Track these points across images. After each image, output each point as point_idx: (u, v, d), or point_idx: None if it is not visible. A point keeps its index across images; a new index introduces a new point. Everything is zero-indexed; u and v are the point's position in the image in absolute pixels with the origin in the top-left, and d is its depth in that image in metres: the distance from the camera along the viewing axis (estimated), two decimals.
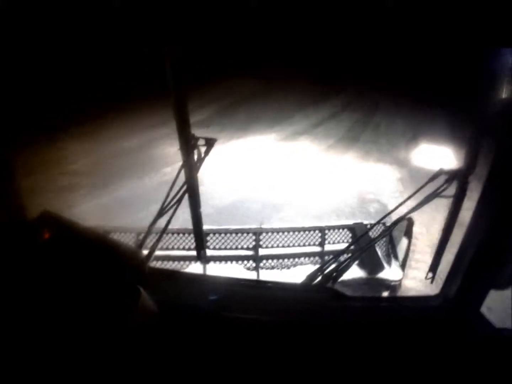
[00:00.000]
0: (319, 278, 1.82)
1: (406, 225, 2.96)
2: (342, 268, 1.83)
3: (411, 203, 1.82)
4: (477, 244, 1.49)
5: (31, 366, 1.07)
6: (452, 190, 1.73)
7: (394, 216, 2.00)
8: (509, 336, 1.56)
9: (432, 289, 1.82)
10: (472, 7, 1.05)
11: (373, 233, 2.92)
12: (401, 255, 3.07)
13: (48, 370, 1.09)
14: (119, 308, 1.19)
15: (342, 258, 1.91)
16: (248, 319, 1.56)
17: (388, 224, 3.03)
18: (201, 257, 2.51)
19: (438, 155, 6.83)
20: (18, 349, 1.07)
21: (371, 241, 2.30)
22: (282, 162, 7.20)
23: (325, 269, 1.84)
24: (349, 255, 1.93)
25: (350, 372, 1.41)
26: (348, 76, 11.23)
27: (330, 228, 3.28)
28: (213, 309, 1.61)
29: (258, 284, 2.08)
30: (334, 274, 1.81)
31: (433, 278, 1.87)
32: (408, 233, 2.97)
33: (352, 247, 2.39)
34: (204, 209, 2.11)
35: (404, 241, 3.02)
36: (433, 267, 1.87)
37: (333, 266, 1.84)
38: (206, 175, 2.09)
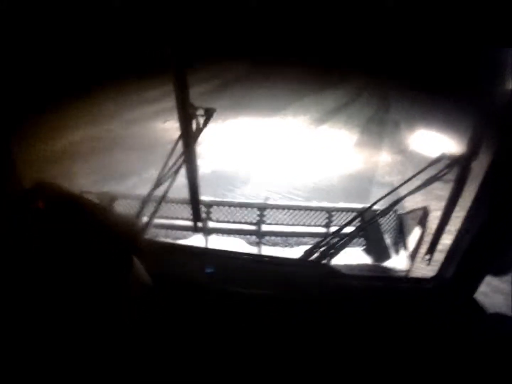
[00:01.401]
0: (316, 254, 1.82)
1: (420, 214, 2.82)
2: (339, 246, 1.83)
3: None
4: (476, 230, 1.50)
5: (25, 331, 1.09)
6: (454, 174, 1.71)
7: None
8: (500, 322, 1.57)
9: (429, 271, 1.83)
10: (472, 7, 1.02)
11: (381, 219, 2.91)
12: (412, 245, 2.89)
13: (41, 337, 1.10)
14: (112, 277, 1.19)
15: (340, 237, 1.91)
16: (244, 293, 1.57)
17: (399, 211, 3.05)
18: (197, 229, 2.50)
19: (442, 141, 6.81)
20: (12, 313, 1.08)
21: (372, 224, 2.28)
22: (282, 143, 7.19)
23: (322, 246, 1.84)
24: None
25: (341, 348, 1.43)
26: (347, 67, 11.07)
27: (337, 209, 3.20)
28: (208, 282, 1.62)
29: (254, 258, 2.08)
30: (331, 250, 1.81)
31: (430, 260, 1.87)
32: (423, 223, 2.79)
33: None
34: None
35: (417, 231, 2.85)
36: (431, 250, 1.87)
37: (331, 243, 1.83)
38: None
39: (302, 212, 3.22)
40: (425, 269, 1.94)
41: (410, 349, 1.44)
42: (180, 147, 1.87)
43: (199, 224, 2.39)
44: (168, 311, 1.42)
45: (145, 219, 1.89)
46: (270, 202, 3.30)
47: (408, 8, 1.10)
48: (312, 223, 3.24)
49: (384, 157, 6.86)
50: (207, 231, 3.08)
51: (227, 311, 1.50)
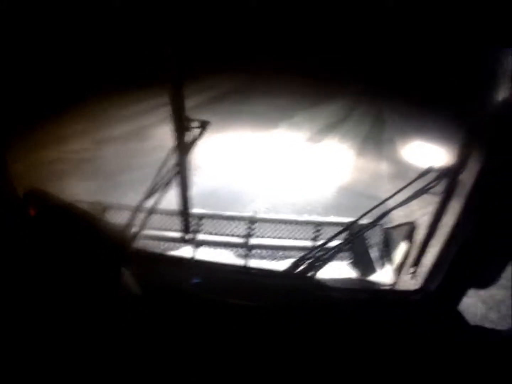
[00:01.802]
0: (302, 266, 1.83)
1: (407, 229, 2.74)
2: (325, 259, 1.84)
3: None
4: (461, 243, 1.52)
5: (16, 336, 1.09)
6: (441, 187, 1.74)
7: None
8: (483, 334, 1.59)
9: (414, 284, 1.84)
10: (472, 7, 1.05)
11: (367, 232, 2.92)
12: (398, 259, 2.81)
13: (32, 342, 1.10)
14: (101, 285, 1.19)
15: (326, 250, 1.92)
16: (230, 303, 1.58)
17: (386, 225, 3.07)
18: (186, 240, 2.50)
19: (432, 154, 6.90)
20: (5, 317, 1.09)
21: (359, 238, 2.29)
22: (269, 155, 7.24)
23: (308, 258, 1.85)
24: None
25: (327, 360, 1.44)
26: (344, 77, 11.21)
27: (324, 224, 3.22)
28: (195, 292, 1.62)
29: (241, 269, 2.09)
30: (317, 263, 1.83)
31: (415, 273, 1.89)
32: (410, 238, 2.72)
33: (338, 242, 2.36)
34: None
35: (403, 246, 2.82)
36: (416, 262, 1.89)
37: (316, 256, 1.85)
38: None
39: (290, 225, 3.23)
40: (411, 283, 1.95)
41: (395, 360, 1.45)
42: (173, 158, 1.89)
43: (189, 236, 2.39)
44: (156, 319, 1.42)
45: (135, 229, 1.89)
46: (259, 215, 3.31)
47: (408, 8, 1.12)
48: (300, 236, 3.25)
49: (375, 171, 6.93)
50: (196, 243, 3.08)
51: (213, 320, 1.50)
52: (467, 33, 1.15)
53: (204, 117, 1.83)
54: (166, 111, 1.81)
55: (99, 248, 1.23)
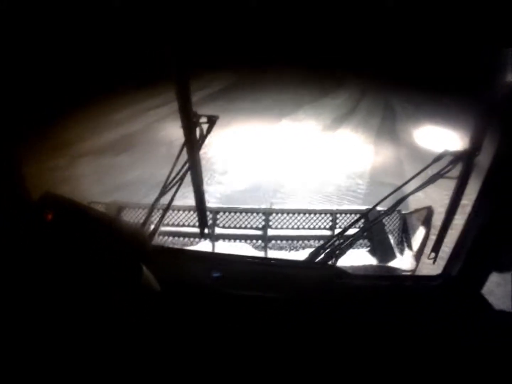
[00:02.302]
0: (322, 255, 1.83)
1: (425, 214, 2.86)
2: (344, 247, 1.83)
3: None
4: (480, 226, 1.50)
5: (32, 340, 1.10)
6: (457, 171, 1.72)
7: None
8: (507, 318, 1.57)
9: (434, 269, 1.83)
10: (472, 7, 1.03)
11: (385, 220, 2.94)
12: (417, 245, 2.91)
13: (49, 345, 1.11)
14: (121, 286, 1.20)
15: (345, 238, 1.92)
16: (251, 296, 1.58)
17: (404, 211, 3.06)
18: (204, 235, 2.51)
19: (445, 137, 6.82)
20: (23, 322, 1.10)
21: (377, 225, 2.27)
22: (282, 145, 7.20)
23: (327, 247, 1.85)
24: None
25: (350, 349, 1.43)
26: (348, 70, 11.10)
27: (341, 212, 3.23)
28: (216, 286, 1.62)
29: (261, 261, 2.09)
30: (337, 252, 1.82)
31: (435, 258, 1.88)
32: (427, 223, 2.84)
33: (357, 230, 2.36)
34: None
35: (421, 231, 2.88)
36: (436, 248, 1.88)
37: (336, 244, 1.85)
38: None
39: (307, 215, 3.24)
40: (431, 268, 1.94)
41: (418, 347, 1.44)
42: (184, 154, 1.90)
43: (206, 231, 2.41)
44: (177, 316, 1.43)
45: (152, 226, 1.91)
46: (275, 207, 3.31)
47: (408, 9, 1.10)
48: (317, 226, 3.26)
49: (390, 157, 6.87)
50: (214, 237, 3.10)
51: (235, 314, 1.51)
52: (467, 33, 1.13)
53: (212, 112, 1.83)
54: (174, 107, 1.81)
55: (118, 248, 1.24)
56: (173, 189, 1.91)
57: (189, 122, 1.82)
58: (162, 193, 1.91)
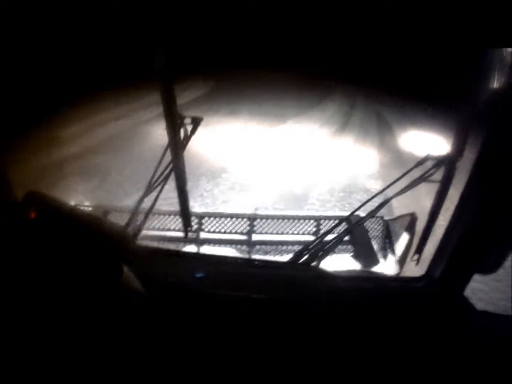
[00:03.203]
0: (305, 257, 1.84)
1: (408, 220, 2.89)
2: (327, 249, 1.84)
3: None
4: (462, 229, 1.51)
5: (16, 339, 1.09)
6: (439, 175, 1.74)
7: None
8: (490, 319, 1.59)
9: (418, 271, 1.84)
10: (472, 7, 1.04)
11: (368, 224, 2.98)
12: (400, 250, 2.91)
13: (33, 344, 1.10)
14: (102, 285, 1.19)
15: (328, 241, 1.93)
16: (234, 297, 1.58)
17: (386, 217, 3.08)
18: (189, 240, 2.51)
19: (428, 142, 6.92)
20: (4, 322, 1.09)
21: (360, 231, 2.28)
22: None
23: (311, 249, 1.86)
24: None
25: (334, 349, 1.44)
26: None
27: (325, 218, 3.26)
28: (199, 286, 1.62)
29: (244, 262, 2.09)
30: (320, 253, 1.83)
31: (418, 260, 1.89)
32: (411, 229, 2.87)
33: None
34: None
35: (405, 237, 2.90)
36: (419, 249, 1.90)
37: (319, 246, 1.86)
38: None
39: (291, 221, 3.26)
40: (414, 272, 1.95)
41: (402, 347, 1.45)
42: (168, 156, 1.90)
43: (190, 235, 2.40)
44: (160, 316, 1.42)
45: (135, 227, 1.89)
46: (259, 212, 3.32)
47: (408, 9, 1.11)
48: (301, 231, 3.28)
49: (375, 161, 6.94)
50: (199, 242, 3.09)
51: (218, 314, 1.50)
52: (467, 33, 1.14)
53: (202, 113, 1.84)
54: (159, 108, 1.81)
55: (99, 248, 1.23)
56: (157, 189, 1.90)
57: (174, 123, 1.82)
58: (147, 193, 1.90)
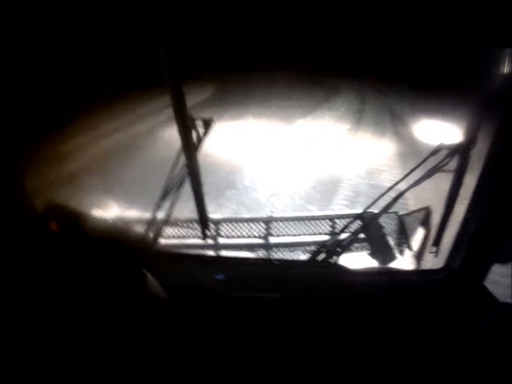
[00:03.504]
0: (323, 254, 1.84)
1: (423, 214, 2.85)
2: (345, 246, 1.85)
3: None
4: (479, 218, 1.50)
5: (36, 348, 1.10)
6: (453, 164, 1.72)
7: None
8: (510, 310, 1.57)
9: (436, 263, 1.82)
10: (472, 7, 1.04)
11: (383, 221, 2.96)
12: (417, 245, 2.85)
13: (57, 352, 1.11)
14: (125, 293, 1.20)
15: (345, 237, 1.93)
16: (255, 297, 1.59)
17: (400, 212, 3.07)
18: (206, 236, 2.52)
19: (441, 130, 6.86)
20: (27, 336, 1.11)
21: (376, 227, 2.27)
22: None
23: (328, 247, 1.86)
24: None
25: (354, 345, 1.43)
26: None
27: (339, 217, 3.25)
28: (220, 288, 1.63)
29: (263, 262, 2.10)
30: (338, 249, 1.84)
31: (437, 252, 1.88)
32: (426, 223, 2.82)
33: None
34: None
35: (420, 231, 2.85)
36: (437, 241, 1.88)
37: (336, 243, 1.87)
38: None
39: (306, 222, 3.27)
40: (433, 264, 1.93)
41: (425, 340, 1.45)
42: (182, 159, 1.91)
43: (208, 241, 2.42)
44: (183, 320, 1.43)
45: (154, 233, 1.91)
46: (275, 215, 3.34)
47: (408, 9, 1.11)
48: (317, 231, 3.28)
49: (389, 153, 6.90)
50: (217, 248, 3.11)
51: (239, 316, 1.51)
52: (466, 33, 1.14)
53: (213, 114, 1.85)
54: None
55: (121, 256, 1.25)
56: (173, 193, 1.91)
57: (185, 126, 1.83)
58: (163, 198, 1.92)
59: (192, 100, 1.84)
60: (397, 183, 1.91)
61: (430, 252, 1.89)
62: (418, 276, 1.93)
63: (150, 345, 1.26)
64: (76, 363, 1.13)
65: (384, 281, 1.77)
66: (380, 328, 1.48)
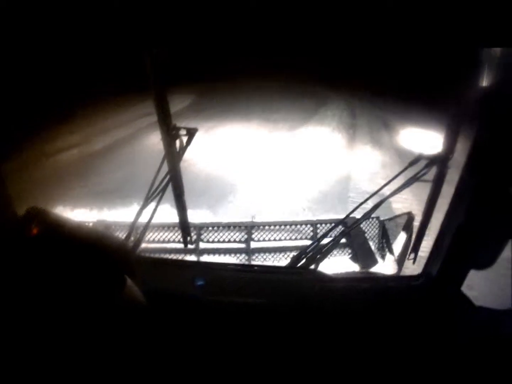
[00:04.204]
0: (303, 260, 1.86)
1: (405, 219, 2.87)
2: (325, 251, 1.87)
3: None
4: (456, 227, 1.54)
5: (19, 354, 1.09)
6: (432, 174, 1.76)
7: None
8: (488, 314, 1.60)
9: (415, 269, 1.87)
10: (471, 7, 1.06)
11: (365, 227, 3.00)
12: (398, 250, 2.84)
13: (35, 358, 1.10)
14: (105, 298, 1.20)
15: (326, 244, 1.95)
16: (235, 303, 1.60)
17: (382, 218, 3.10)
18: (188, 251, 2.52)
19: (423, 139, 6.96)
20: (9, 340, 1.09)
21: (357, 232, 2.29)
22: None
23: (309, 252, 1.88)
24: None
25: (334, 352, 1.44)
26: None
27: (321, 222, 3.26)
28: (200, 294, 1.64)
29: (243, 267, 2.11)
30: (318, 256, 1.86)
31: (415, 259, 1.92)
32: (408, 228, 2.83)
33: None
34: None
35: (402, 236, 2.86)
36: (415, 248, 1.92)
37: (316, 249, 1.89)
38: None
39: (288, 227, 3.28)
40: (412, 270, 1.97)
41: (402, 346, 1.46)
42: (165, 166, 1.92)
43: (190, 246, 2.42)
44: (162, 324, 1.43)
45: (135, 240, 1.91)
46: (256, 220, 3.35)
47: (408, 9, 1.12)
48: (299, 237, 3.28)
49: (371, 161, 6.98)
50: (198, 252, 3.11)
51: (220, 321, 1.52)
52: (467, 33, 1.16)
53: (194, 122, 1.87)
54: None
55: (101, 261, 1.24)
56: (156, 200, 1.92)
57: (169, 135, 1.84)
58: (145, 204, 1.92)
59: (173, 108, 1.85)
60: (377, 191, 1.95)
61: (409, 259, 1.92)
62: (397, 282, 1.96)
63: (131, 352, 1.26)
64: (56, 369, 1.12)
65: (363, 287, 1.79)
66: (359, 333, 1.50)
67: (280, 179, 6.28)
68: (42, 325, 1.11)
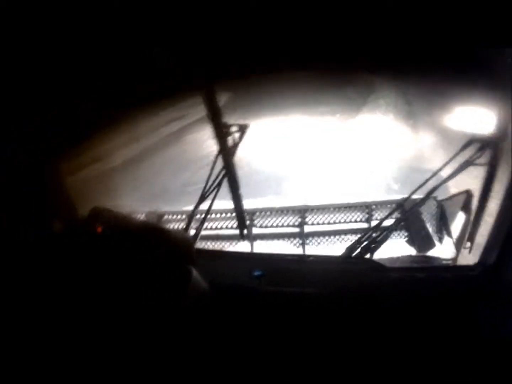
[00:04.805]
0: (358, 249, 1.86)
1: (463, 199, 2.67)
2: (381, 239, 1.86)
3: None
4: None
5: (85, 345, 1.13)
6: (486, 157, 1.72)
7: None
8: None
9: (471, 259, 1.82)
10: (472, 7, 1.04)
11: (421, 208, 2.83)
12: (456, 232, 2.72)
13: (101, 349, 1.14)
14: (172, 290, 1.24)
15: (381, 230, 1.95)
16: (291, 292, 1.61)
17: (440, 198, 3.01)
18: (244, 237, 2.57)
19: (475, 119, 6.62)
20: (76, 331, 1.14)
21: (413, 214, 2.24)
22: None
23: (364, 241, 1.88)
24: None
25: (389, 342, 1.44)
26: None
27: (377, 204, 3.19)
28: (257, 284, 1.67)
29: (299, 258, 2.13)
30: (373, 245, 1.85)
31: (471, 247, 1.87)
32: (466, 208, 2.62)
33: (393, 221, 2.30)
34: None
35: (461, 216, 2.69)
36: (471, 237, 1.87)
37: (372, 237, 1.88)
38: None
39: (342, 210, 3.25)
40: (469, 258, 1.93)
41: (457, 339, 1.44)
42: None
43: (245, 232, 2.46)
44: (224, 316, 1.46)
45: (193, 231, 1.98)
46: (310, 204, 3.35)
47: (408, 9, 1.11)
48: (353, 219, 3.23)
49: (421, 143, 6.74)
50: (252, 238, 3.15)
51: (278, 311, 1.54)
52: (466, 33, 1.13)
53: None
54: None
55: (166, 254, 1.29)
56: (212, 195, 1.98)
57: (220, 132, 1.90)
58: (202, 199, 1.98)
59: None
60: (435, 174, 1.93)
61: (465, 248, 1.87)
62: (452, 272, 1.91)
63: (195, 344, 1.31)
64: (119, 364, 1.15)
65: (418, 277, 1.76)
66: (412, 325, 1.48)
67: (334, 167, 6.16)
68: (116, 321, 1.15)
